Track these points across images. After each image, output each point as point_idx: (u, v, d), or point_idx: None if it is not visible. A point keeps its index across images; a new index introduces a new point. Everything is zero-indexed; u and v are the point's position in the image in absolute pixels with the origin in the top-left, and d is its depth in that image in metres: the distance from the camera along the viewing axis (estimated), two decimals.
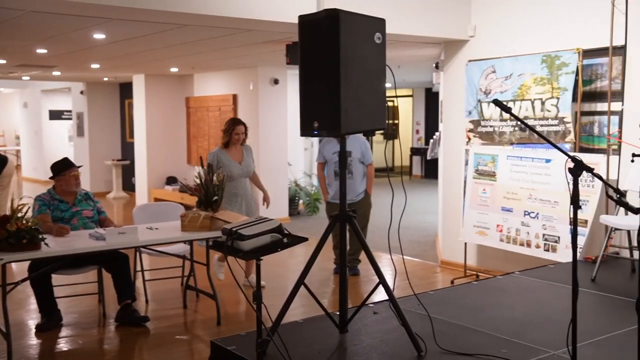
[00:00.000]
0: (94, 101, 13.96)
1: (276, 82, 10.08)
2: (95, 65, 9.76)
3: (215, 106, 11.18)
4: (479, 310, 4.03)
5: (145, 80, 11.83)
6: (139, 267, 5.67)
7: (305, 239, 3.14)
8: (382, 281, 3.23)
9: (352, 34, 3.01)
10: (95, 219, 5.19)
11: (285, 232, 3.08)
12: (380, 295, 3.83)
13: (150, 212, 5.79)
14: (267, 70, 10.03)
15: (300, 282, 3.29)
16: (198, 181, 5.02)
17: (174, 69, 10.78)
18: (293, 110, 9.46)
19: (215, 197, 4.95)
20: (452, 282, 6.19)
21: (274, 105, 10.15)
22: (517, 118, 2.75)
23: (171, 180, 11.91)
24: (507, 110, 2.68)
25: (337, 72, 2.98)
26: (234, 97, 10.63)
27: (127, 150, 13.70)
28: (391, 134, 16.66)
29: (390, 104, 17.06)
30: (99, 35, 6.48)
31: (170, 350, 4.57)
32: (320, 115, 3.10)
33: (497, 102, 2.69)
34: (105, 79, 12.90)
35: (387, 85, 3.53)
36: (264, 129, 10.05)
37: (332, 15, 2.96)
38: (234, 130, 5.92)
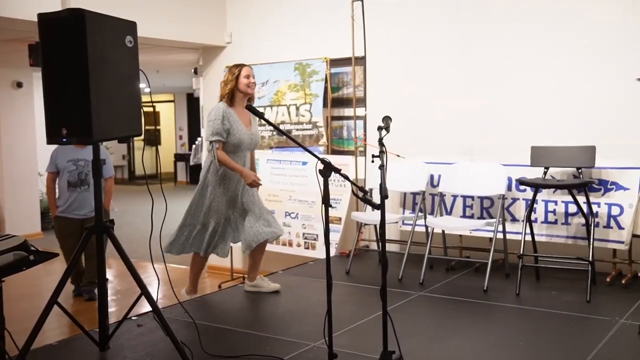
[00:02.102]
0: None
1: (20, 85, 9.21)
2: None
3: None
4: (245, 312, 4.11)
5: None
6: None
7: (55, 255, 2.90)
8: (144, 292, 3.12)
9: (100, 35, 2.86)
10: None
11: (33, 248, 2.81)
12: (146, 306, 3.71)
13: None
14: (9, 72, 9.10)
15: (53, 300, 3.04)
16: None
17: None
18: (42, 116, 8.70)
19: None
20: (219, 286, 6.21)
21: (19, 110, 9.25)
22: (269, 123, 2.85)
23: None
24: (260, 115, 2.77)
25: (86, 76, 2.82)
26: None
27: None
28: (153, 140, 16.24)
29: (149, 109, 16.59)
30: None
31: None
32: (69, 121, 2.91)
33: (250, 108, 2.76)
34: None
35: (147, 90, 3.42)
36: (7, 137, 9.10)
37: (77, 15, 2.79)
38: (240, 73, 4.23)
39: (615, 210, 4.50)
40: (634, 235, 4.46)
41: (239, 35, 6.65)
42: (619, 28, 4.52)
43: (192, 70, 7.30)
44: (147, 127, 16.58)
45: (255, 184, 4.23)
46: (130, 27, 3.06)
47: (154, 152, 16.44)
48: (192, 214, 4.38)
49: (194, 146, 9.99)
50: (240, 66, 4.28)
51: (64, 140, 2.95)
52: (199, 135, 7.83)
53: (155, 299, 3.19)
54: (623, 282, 4.44)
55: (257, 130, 4.46)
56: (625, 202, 4.46)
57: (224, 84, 4.26)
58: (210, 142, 4.20)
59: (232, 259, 6.54)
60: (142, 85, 3.21)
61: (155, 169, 15.95)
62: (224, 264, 6.71)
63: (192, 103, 16.30)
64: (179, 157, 16.92)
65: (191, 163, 10.34)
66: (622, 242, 4.46)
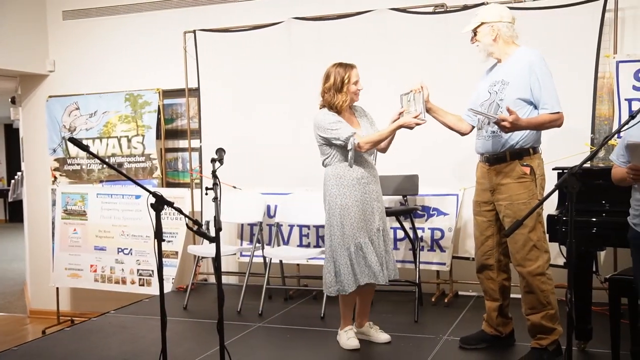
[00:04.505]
0: None
1: None
2: None
3: None
4: (72, 358, 3.82)
5: None
6: None
7: None
8: None
9: None
10: None
11: None
12: None
13: None
14: None
15: None
16: None
17: None
18: None
19: None
20: (43, 332, 5.74)
21: None
22: (95, 156, 2.72)
23: None
24: (84, 148, 2.63)
25: None
26: None
27: None
28: None
29: None
30: None
31: None
32: None
33: (72, 140, 2.62)
34: None
35: None
36: None
37: None
38: (350, 79, 3.64)
39: (437, 235, 4.85)
40: (453, 257, 4.84)
41: (63, 63, 6.31)
42: (433, 67, 4.91)
43: (10, 100, 6.78)
44: None
45: (417, 121, 3.51)
46: None
47: None
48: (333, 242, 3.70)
49: (13, 181, 9.25)
50: (348, 68, 3.66)
51: None
52: (19, 170, 7.25)
53: None
54: (446, 300, 4.78)
55: (370, 128, 3.77)
56: (445, 226, 4.83)
57: (333, 91, 3.63)
58: (345, 140, 3.58)
59: (59, 301, 6.10)
60: None
61: None
62: (50, 307, 6.24)
63: (11, 134, 15.06)
64: None
65: (10, 199, 9.56)
66: (444, 264, 4.82)
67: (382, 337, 3.86)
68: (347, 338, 3.78)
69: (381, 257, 3.68)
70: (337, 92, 3.63)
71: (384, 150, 3.81)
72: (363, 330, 3.91)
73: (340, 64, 3.69)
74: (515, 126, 3.25)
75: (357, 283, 3.62)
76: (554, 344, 3.39)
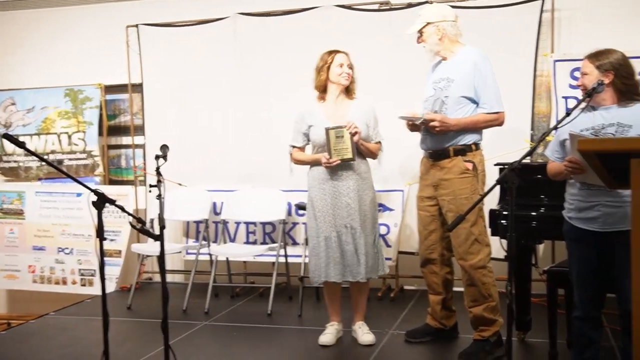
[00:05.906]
0: None
1: None
2: None
3: None
4: None
5: None
6: None
7: None
8: None
9: None
10: None
11: None
12: None
13: None
14: None
15: None
16: None
17: None
18: None
19: None
20: None
21: None
22: (32, 153, 2.64)
23: None
24: (20, 145, 2.55)
25: None
26: None
27: None
28: None
29: None
30: None
31: None
32: None
33: (7, 137, 2.53)
34: None
35: None
36: None
37: None
38: (332, 62, 3.63)
39: (383, 230, 4.89)
40: (399, 252, 4.90)
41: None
42: (379, 63, 4.95)
43: None
44: None
45: (326, 163, 3.55)
46: None
47: None
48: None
49: None
50: (334, 52, 3.68)
51: None
52: None
53: None
54: (392, 295, 4.84)
55: (365, 124, 3.65)
56: (391, 222, 4.88)
57: (316, 73, 3.69)
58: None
59: None
60: None
61: None
62: None
63: None
64: None
65: None
66: (390, 259, 4.87)
67: (363, 338, 3.75)
68: (323, 333, 3.78)
69: (347, 255, 3.67)
70: (319, 73, 3.70)
71: (372, 157, 3.84)
72: (353, 328, 3.86)
73: (328, 50, 3.74)
74: (444, 125, 3.32)
75: (321, 277, 3.71)
76: (496, 335, 3.48)
